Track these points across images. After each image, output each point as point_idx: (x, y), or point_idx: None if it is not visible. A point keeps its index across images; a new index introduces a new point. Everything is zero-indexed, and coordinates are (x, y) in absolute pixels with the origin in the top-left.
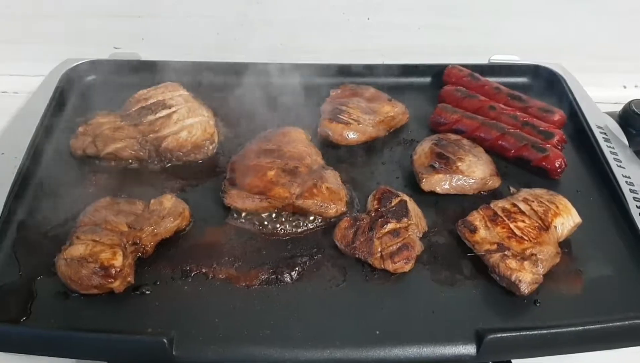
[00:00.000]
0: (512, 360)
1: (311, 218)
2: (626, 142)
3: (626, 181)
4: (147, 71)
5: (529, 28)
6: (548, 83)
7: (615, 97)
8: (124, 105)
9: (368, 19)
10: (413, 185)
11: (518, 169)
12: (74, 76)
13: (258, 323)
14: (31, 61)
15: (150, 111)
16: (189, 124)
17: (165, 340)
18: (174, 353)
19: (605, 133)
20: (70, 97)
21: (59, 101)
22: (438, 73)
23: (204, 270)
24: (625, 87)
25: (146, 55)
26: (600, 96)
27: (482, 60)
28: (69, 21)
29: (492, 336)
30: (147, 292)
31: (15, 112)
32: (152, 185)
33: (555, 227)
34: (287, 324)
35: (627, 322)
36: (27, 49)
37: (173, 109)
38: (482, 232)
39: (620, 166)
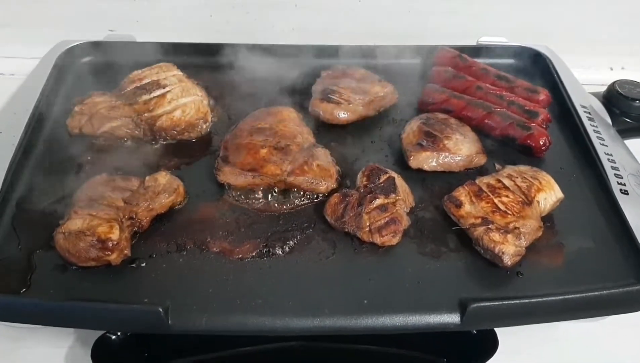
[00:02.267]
0: (496, 329)
1: (302, 194)
2: (610, 121)
3: (608, 159)
4: (142, 52)
5: (518, 10)
6: (535, 64)
7: (603, 79)
8: (119, 85)
9: (359, 1)
10: (401, 163)
11: (504, 147)
12: (70, 58)
13: (250, 293)
14: (27, 43)
15: (144, 90)
16: (182, 103)
17: (160, 310)
18: (169, 322)
19: (589, 113)
20: (66, 78)
21: (55, 82)
22: (427, 54)
23: (198, 244)
24: (612, 69)
25: (141, 37)
26: (587, 78)
27: (471, 42)
28: (64, 3)
29: (475, 305)
30: (143, 265)
31: (13, 93)
32: (147, 163)
33: (538, 202)
34: (278, 294)
35: (605, 292)
36: (23, 32)
37: (167, 88)
38: (467, 207)
39: (603, 145)
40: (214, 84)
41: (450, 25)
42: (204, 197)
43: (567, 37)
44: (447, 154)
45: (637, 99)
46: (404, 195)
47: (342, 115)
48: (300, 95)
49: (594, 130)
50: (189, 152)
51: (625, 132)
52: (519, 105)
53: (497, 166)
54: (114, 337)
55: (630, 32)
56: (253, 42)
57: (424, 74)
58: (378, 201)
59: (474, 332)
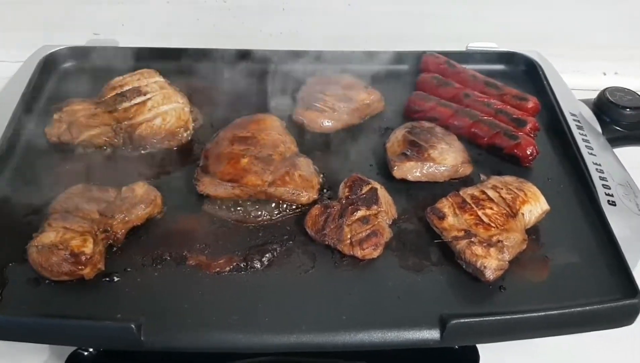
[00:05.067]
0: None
1: (284, 205)
2: (600, 130)
3: (596, 169)
4: (125, 58)
5: (508, 15)
6: (525, 70)
7: (595, 85)
8: (99, 92)
9: (349, 4)
10: (386, 173)
11: (491, 156)
12: (52, 62)
13: (227, 309)
14: (9, 46)
15: (125, 97)
16: (163, 111)
17: (133, 326)
18: (142, 339)
19: (578, 121)
20: (47, 83)
21: (35, 88)
22: (416, 60)
23: (174, 257)
24: (605, 74)
25: (126, 41)
26: (580, 84)
27: (460, 47)
28: (48, 6)
29: (455, 321)
30: (118, 279)
31: None
32: (126, 172)
33: (523, 214)
34: (255, 310)
35: (589, 308)
36: (4, 35)
37: (148, 96)
38: (451, 219)
39: (591, 154)
40: (197, 91)
41: (439, 31)
42: (183, 208)
43: (559, 42)
44: (431, 164)
45: (627, 107)
46: (387, 206)
47: (327, 123)
48: (284, 102)
49: (582, 139)
50: (169, 161)
51: (616, 140)
52: (507, 113)
53: (482, 177)
54: (86, 353)
55: (623, 36)
56: (238, 47)
57: (412, 81)
58: (360, 213)
59: (455, 346)
